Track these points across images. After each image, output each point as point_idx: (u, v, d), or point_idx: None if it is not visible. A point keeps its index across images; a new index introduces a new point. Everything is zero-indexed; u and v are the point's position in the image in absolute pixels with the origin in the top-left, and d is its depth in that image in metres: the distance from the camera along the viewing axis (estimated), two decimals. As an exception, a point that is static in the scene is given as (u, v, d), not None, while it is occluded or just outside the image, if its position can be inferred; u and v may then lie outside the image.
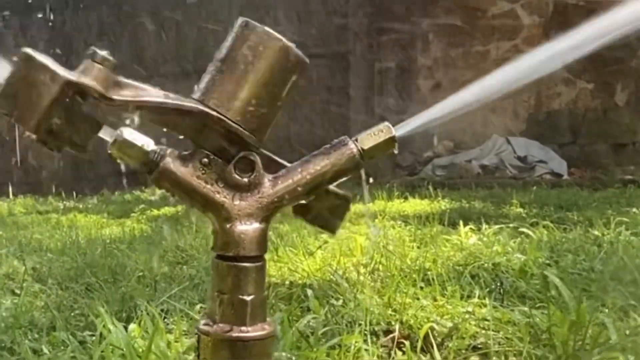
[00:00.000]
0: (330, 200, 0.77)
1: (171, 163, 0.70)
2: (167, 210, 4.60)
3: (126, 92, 0.65)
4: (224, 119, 0.68)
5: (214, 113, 0.68)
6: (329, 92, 7.05)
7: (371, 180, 4.82)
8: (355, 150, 0.73)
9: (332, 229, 0.79)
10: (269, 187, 0.71)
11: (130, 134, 0.70)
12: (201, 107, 0.68)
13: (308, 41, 6.53)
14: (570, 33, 0.64)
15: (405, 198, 4.28)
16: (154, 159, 0.70)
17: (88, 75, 0.63)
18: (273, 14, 7.22)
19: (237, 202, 0.70)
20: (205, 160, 0.70)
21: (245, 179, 0.70)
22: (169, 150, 0.71)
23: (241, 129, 0.69)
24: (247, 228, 0.70)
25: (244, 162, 0.70)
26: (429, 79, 7.16)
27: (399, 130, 0.74)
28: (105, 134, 0.70)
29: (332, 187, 0.76)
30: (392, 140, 0.73)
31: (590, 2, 6.23)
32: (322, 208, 0.77)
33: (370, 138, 0.73)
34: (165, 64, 7.89)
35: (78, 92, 0.63)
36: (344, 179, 0.74)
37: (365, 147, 0.73)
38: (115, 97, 0.64)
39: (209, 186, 0.70)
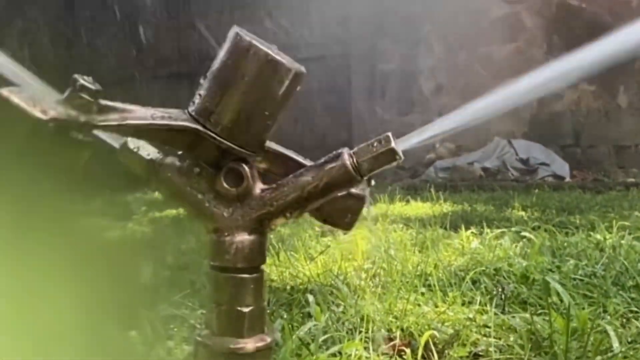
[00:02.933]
0: (342, 200, 0.74)
1: (169, 173, 0.72)
2: (169, 212, 4.59)
3: (111, 117, 0.64)
4: (213, 134, 0.68)
5: (203, 129, 0.68)
6: (331, 94, 7.05)
7: (373, 182, 4.81)
8: (348, 163, 0.68)
9: (346, 228, 0.76)
10: (258, 199, 0.70)
11: (134, 143, 0.73)
12: (191, 125, 0.67)
13: (310, 43, 6.54)
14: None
15: (407, 201, 4.27)
16: (154, 168, 0.72)
17: (69, 106, 0.62)
18: (276, 15, 7.22)
19: (226, 213, 0.70)
20: (197, 169, 0.71)
21: (234, 190, 0.70)
22: (169, 160, 0.72)
23: (230, 144, 0.68)
24: (237, 239, 0.70)
25: (233, 173, 0.70)
26: (431, 81, 7.16)
27: (404, 143, 0.70)
28: (113, 140, 0.73)
29: None
30: (391, 152, 0.68)
31: (592, 3, 6.23)
32: (333, 208, 0.74)
33: (367, 150, 0.69)
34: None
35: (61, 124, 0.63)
36: (340, 193, 0.71)
37: (361, 160, 0.69)
38: (99, 123, 0.64)
39: (200, 196, 0.71)
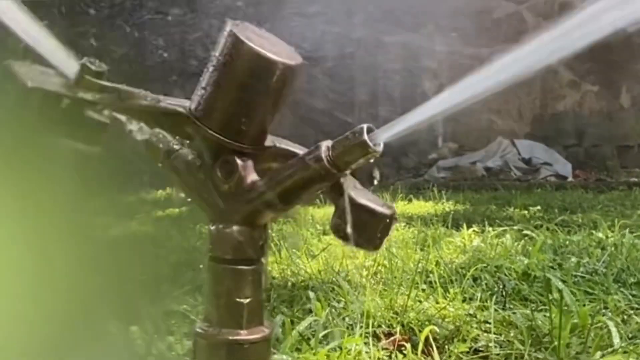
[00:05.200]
0: (364, 217, 0.66)
1: (180, 165, 0.74)
2: (172, 211, 4.59)
3: (110, 96, 0.67)
4: (205, 128, 0.68)
5: (196, 122, 0.68)
6: (333, 95, 7.05)
7: (376, 182, 4.81)
8: (324, 156, 0.65)
9: (374, 248, 0.68)
10: (249, 191, 0.70)
11: (155, 135, 0.75)
12: (179, 109, 0.69)
13: (312, 44, 6.54)
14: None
15: (410, 200, 4.28)
16: (168, 158, 0.74)
17: (76, 86, 0.66)
18: (278, 16, 7.23)
19: (221, 205, 0.71)
20: (199, 161, 0.72)
21: (226, 182, 0.70)
22: (180, 151, 0.74)
23: (223, 137, 0.68)
24: (231, 231, 0.70)
25: (226, 166, 0.70)
26: (433, 82, 7.16)
27: (384, 133, 0.64)
28: (138, 133, 0.75)
29: (367, 202, 0.66)
30: (363, 144, 0.63)
31: (595, 4, 6.22)
32: (355, 226, 0.66)
33: (342, 143, 0.64)
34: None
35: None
36: (320, 190, 0.67)
37: (335, 153, 0.65)
38: (99, 101, 0.67)
39: (201, 188, 0.72)
